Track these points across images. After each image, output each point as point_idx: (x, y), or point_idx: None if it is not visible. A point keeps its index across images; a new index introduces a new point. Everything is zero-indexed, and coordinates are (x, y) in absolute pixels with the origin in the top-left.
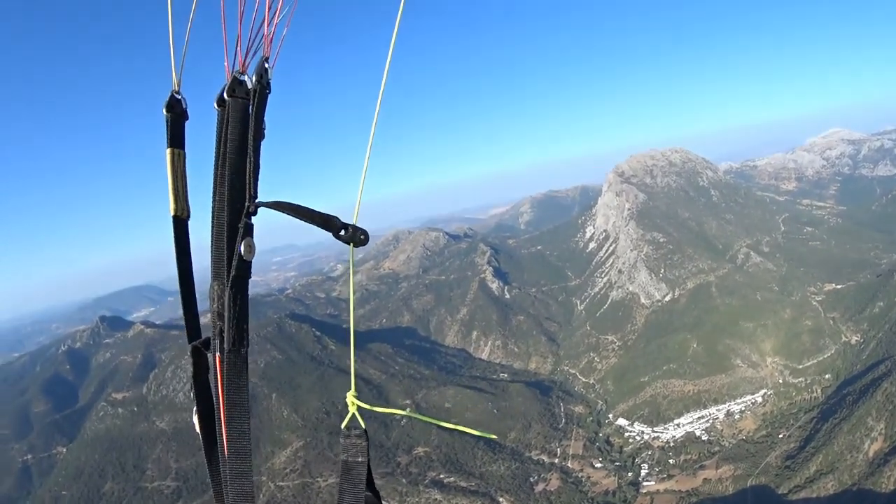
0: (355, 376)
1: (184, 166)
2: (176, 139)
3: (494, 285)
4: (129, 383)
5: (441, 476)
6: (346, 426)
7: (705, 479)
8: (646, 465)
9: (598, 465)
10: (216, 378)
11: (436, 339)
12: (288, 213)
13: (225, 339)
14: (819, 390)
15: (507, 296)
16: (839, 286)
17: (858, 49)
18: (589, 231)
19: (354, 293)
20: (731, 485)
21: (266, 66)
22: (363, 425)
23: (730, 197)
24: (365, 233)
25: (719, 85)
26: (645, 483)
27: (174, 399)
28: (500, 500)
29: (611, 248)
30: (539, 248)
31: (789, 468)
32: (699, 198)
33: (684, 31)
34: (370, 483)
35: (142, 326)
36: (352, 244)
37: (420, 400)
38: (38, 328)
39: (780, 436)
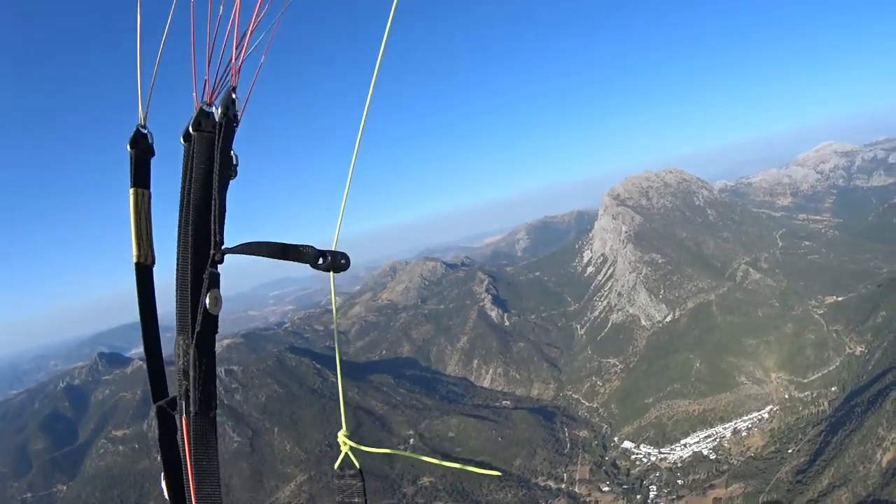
0: (346, 411)
1: (148, 207)
2: (140, 178)
3: (493, 313)
4: (129, 420)
5: None
6: (339, 466)
7: (715, 497)
8: (654, 487)
9: (606, 488)
10: (183, 442)
11: (437, 368)
12: (259, 255)
13: (190, 401)
14: (826, 403)
15: (507, 323)
16: (840, 298)
17: (847, 63)
18: (587, 255)
19: (354, 325)
20: (742, 503)
21: (234, 96)
22: (357, 465)
23: (726, 215)
24: (346, 257)
25: (712, 104)
26: None
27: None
28: None
29: (609, 272)
30: (537, 274)
31: (801, 483)
32: (695, 217)
33: (673, 56)
34: None
35: (141, 362)
36: (332, 272)
37: (423, 430)
38: (36, 365)
39: (790, 451)
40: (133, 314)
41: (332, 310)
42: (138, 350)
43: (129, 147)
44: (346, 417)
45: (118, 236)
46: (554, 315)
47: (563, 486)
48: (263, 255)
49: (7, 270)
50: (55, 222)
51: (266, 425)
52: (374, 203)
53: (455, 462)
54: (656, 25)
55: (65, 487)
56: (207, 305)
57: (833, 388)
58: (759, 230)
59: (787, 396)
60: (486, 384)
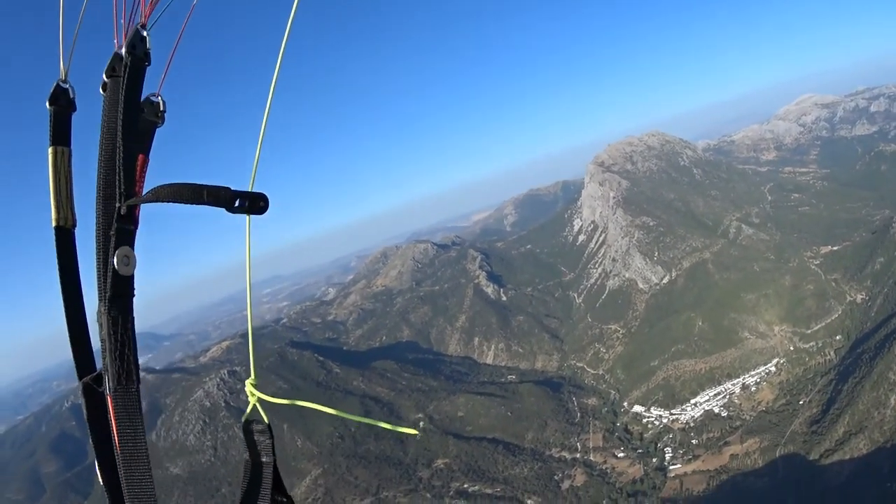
0: (344, 406)
1: (68, 166)
2: (59, 136)
3: (489, 289)
4: None
5: (465, 486)
6: (246, 419)
7: (732, 454)
8: (669, 449)
9: (621, 454)
10: (112, 421)
11: (438, 349)
12: (170, 201)
13: (109, 374)
14: (832, 352)
15: (504, 298)
16: (836, 248)
17: (821, 17)
18: (577, 224)
19: (351, 314)
20: (759, 457)
21: (145, 34)
22: (266, 419)
23: (712, 173)
24: (264, 198)
25: (687, 66)
26: (671, 467)
27: (185, 442)
28: (529, 502)
29: (601, 238)
30: (528, 247)
31: (817, 433)
32: (682, 178)
33: (645, 17)
34: (279, 486)
35: (143, 373)
36: (249, 214)
37: (432, 412)
38: (39, 388)
39: (801, 402)
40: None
41: (327, 301)
42: (140, 360)
43: (48, 104)
44: (356, 404)
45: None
46: (550, 286)
47: (578, 455)
48: (174, 201)
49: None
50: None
51: (275, 422)
52: (359, 192)
53: (370, 420)
54: None
55: None
56: (116, 265)
57: (838, 337)
58: (746, 186)
59: (792, 348)
60: (489, 361)
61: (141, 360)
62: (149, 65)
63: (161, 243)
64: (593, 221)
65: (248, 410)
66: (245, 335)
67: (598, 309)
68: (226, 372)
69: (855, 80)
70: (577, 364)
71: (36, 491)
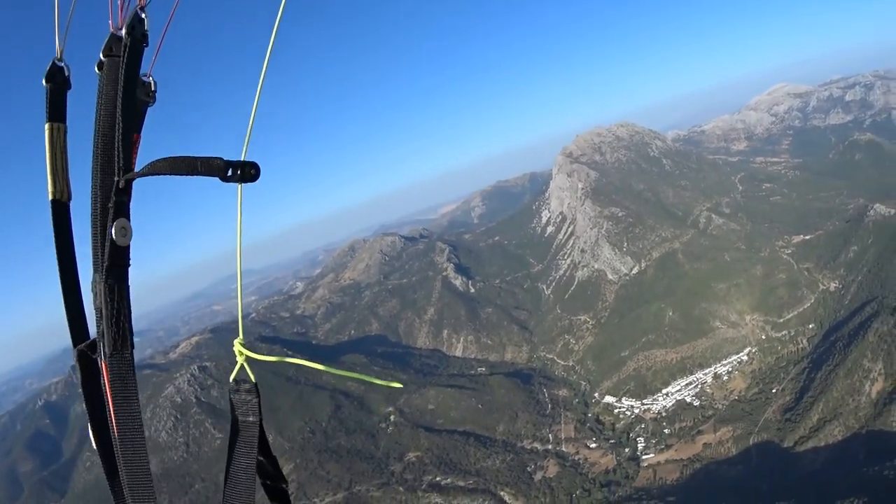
0: (323, 394)
1: (64, 142)
2: (55, 112)
3: (458, 281)
4: None
5: (438, 479)
6: (234, 379)
7: (705, 443)
8: (641, 439)
9: (593, 445)
10: (105, 387)
11: (407, 342)
12: (166, 173)
13: (105, 341)
14: (805, 341)
15: (472, 290)
16: (808, 237)
17: (799, 6)
18: (545, 216)
19: (319, 308)
20: (732, 445)
21: (143, 15)
22: (252, 379)
23: (682, 164)
24: (255, 166)
25: (658, 56)
26: (644, 456)
27: (157, 439)
28: (502, 494)
29: (569, 230)
30: (496, 238)
31: (791, 420)
32: (651, 168)
33: (616, 6)
34: (264, 446)
35: None
36: (241, 183)
37: (402, 405)
38: (11, 387)
39: (774, 391)
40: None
41: (295, 295)
42: None
43: (44, 81)
44: (326, 399)
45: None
46: (518, 277)
47: (550, 446)
48: (171, 173)
49: None
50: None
51: None
52: (326, 185)
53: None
54: None
55: None
56: (114, 236)
57: (811, 326)
58: (717, 176)
59: (764, 337)
60: (458, 353)
61: None
62: (146, 45)
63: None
64: (562, 213)
65: (236, 370)
66: (215, 330)
67: (567, 300)
68: (196, 367)
69: (831, 69)
70: (547, 356)
71: (14, 490)
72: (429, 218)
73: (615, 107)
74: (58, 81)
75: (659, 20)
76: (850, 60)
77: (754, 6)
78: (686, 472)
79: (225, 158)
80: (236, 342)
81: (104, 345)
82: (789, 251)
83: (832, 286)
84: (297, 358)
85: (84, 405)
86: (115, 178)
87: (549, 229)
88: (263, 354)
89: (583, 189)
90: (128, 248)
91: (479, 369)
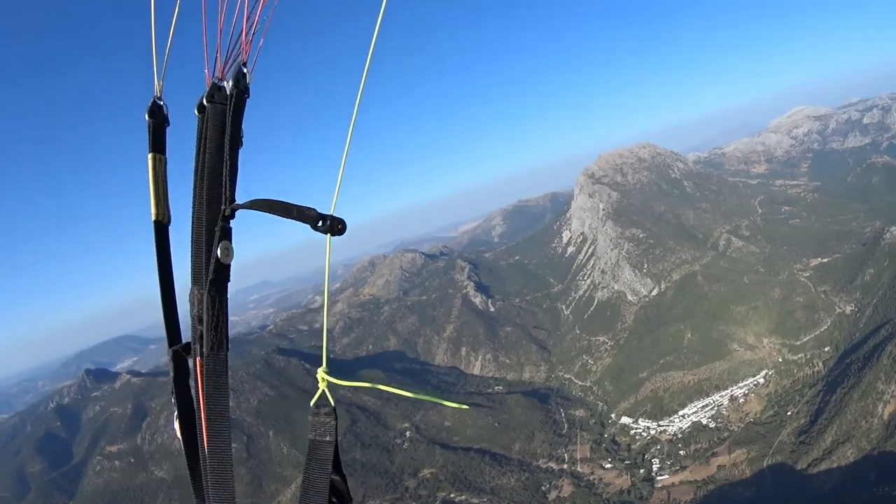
0: (340, 408)
1: (164, 171)
2: (157, 144)
3: (477, 300)
4: (122, 434)
5: (452, 495)
6: (314, 403)
7: (720, 465)
8: (657, 460)
9: (608, 465)
10: (197, 383)
11: (425, 359)
12: (264, 211)
13: (204, 342)
14: (821, 364)
15: (492, 309)
16: (825, 260)
17: (815, 28)
18: (566, 236)
19: (338, 322)
20: (747, 467)
21: (244, 70)
22: (332, 403)
23: (703, 186)
24: (342, 222)
25: (680, 78)
26: (659, 477)
27: (171, 446)
28: None
29: (590, 250)
30: (517, 258)
31: (804, 443)
32: (672, 190)
33: (638, 28)
34: (337, 465)
35: (128, 376)
36: (330, 234)
37: (419, 422)
38: (24, 388)
39: (789, 413)
40: (112, 330)
41: (314, 309)
42: (124, 364)
43: (147, 116)
44: (341, 411)
45: (93, 253)
46: (538, 297)
47: (565, 466)
48: (269, 212)
49: None
50: (26, 245)
51: (261, 429)
52: (344, 200)
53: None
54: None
55: None
56: (219, 255)
57: (826, 349)
58: (737, 199)
59: (780, 360)
60: (476, 371)
61: (126, 364)
62: (248, 97)
63: (149, 246)
64: (582, 233)
65: (317, 396)
66: (232, 340)
67: (586, 320)
68: None
69: (850, 90)
70: (565, 375)
71: (21, 489)
72: (449, 236)
73: (637, 127)
74: (158, 118)
75: (682, 42)
76: (871, 81)
77: (777, 28)
78: (700, 493)
79: (318, 210)
80: (320, 371)
81: (202, 346)
82: (807, 274)
83: (848, 309)
84: (381, 384)
85: (173, 399)
86: (223, 207)
87: (570, 249)
88: (338, 379)
89: (604, 210)
90: (229, 265)
91: (496, 388)
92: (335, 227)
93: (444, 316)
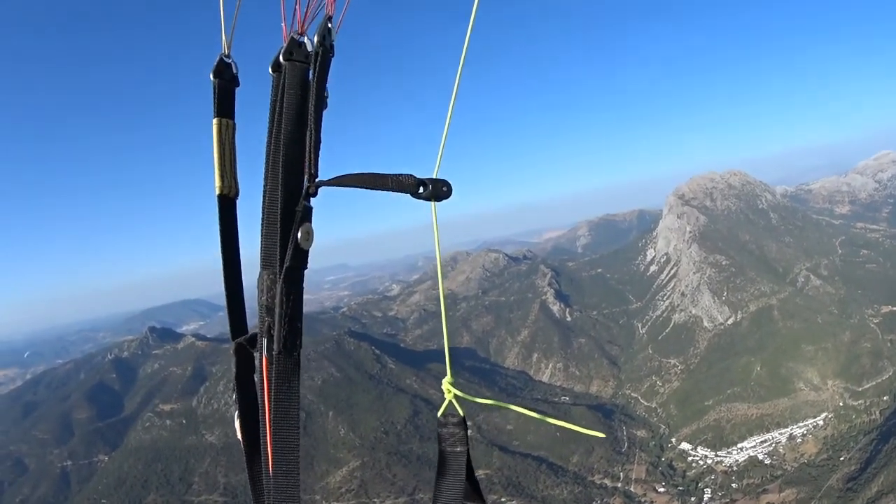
0: (405, 398)
1: (233, 138)
2: (224, 108)
3: (556, 307)
4: (177, 395)
5: (503, 500)
6: (442, 414)
7: (768, 502)
8: (709, 490)
9: (662, 489)
10: (262, 383)
11: (496, 360)
12: (355, 186)
13: (274, 339)
14: (878, 412)
15: (569, 318)
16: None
17: None
18: (650, 254)
19: (413, 313)
20: None
21: (329, 25)
22: (461, 413)
23: (788, 220)
24: (447, 184)
25: (771, 110)
26: None
27: (226, 413)
28: None
29: (672, 271)
30: (599, 270)
31: (851, 490)
32: (759, 220)
33: (742, 56)
34: (470, 474)
35: (192, 339)
36: (434, 200)
37: (481, 422)
38: (83, 336)
39: (842, 458)
40: (183, 292)
41: (390, 297)
42: (190, 327)
43: (212, 76)
44: (406, 402)
45: (172, 213)
46: (615, 312)
47: (619, 484)
48: (360, 187)
49: (54, 244)
50: (108, 197)
51: (321, 408)
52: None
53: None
54: (724, 26)
55: (106, 458)
56: (300, 239)
57: (885, 398)
58: (819, 236)
59: (841, 404)
60: (544, 379)
61: (191, 327)
62: (333, 56)
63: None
64: (667, 253)
65: (444, 406)
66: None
67: (660, 341)
68: None
69: None
70: (632, 394)
71: (64, 434)
72: (532, 241)
73: (725, 153)
74: (226, 77)
75: (781, 76)
76: None
77: (876, 70)
78: None
79: (416, 176)
80: (445, 381)
81: (273, 342)
82: (877, 320)
83: None
84: (508, 403)
85: (234, 395)
86: (307, 184)
87: (653, 268)
88: (461, 392)
89: (691, 232)
90: (308, 252)
91: (562, 398)
92: (439, 189)
93: (521, 319)
